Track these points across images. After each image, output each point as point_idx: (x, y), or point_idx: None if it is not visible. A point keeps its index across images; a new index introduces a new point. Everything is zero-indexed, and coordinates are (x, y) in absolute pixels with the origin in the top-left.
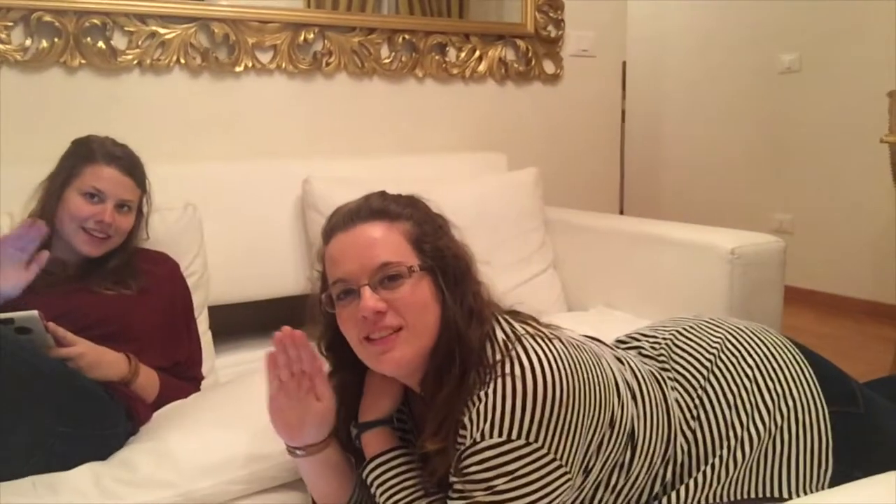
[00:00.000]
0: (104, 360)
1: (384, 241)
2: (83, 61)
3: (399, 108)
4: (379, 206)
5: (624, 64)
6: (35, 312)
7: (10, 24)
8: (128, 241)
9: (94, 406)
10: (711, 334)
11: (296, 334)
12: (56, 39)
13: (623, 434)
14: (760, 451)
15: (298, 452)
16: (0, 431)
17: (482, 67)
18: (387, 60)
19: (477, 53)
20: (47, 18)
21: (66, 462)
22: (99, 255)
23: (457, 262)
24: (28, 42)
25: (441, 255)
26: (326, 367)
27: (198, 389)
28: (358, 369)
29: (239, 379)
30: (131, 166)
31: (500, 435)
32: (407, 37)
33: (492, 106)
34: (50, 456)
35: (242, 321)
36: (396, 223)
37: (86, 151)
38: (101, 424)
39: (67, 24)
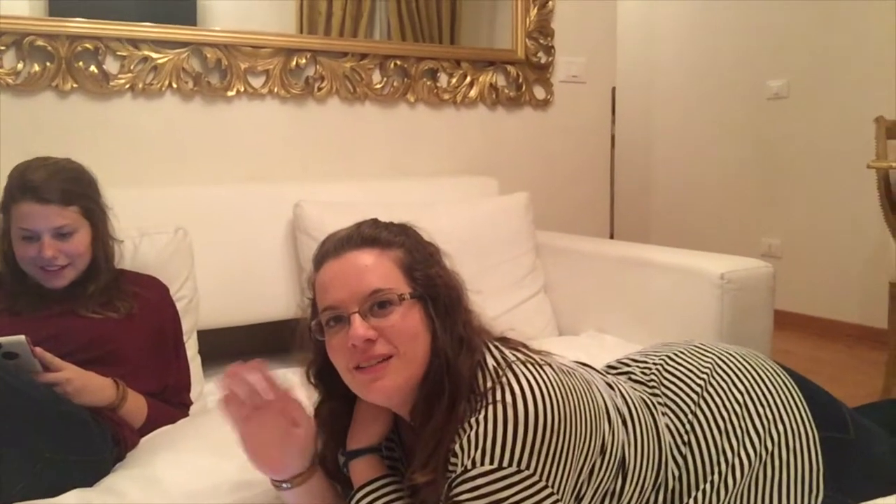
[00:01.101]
0: (91, 386)
1: (375, 269)
2: (75, 85)
3: (391, 132)
4: (370, 234)
5: (613, 90)
6: (22, 337)
7: (3, 48)
8: (98, 261)
9: (81, 432)
10: (701, 359)
11: (249, 363)
12: (48, 63)
13: (614, 461)
14: (751, 476)
15: (284, 486)
16: None
17: (473, 93)
18: (379, 85)
19: (468, 79)
20: (39, 43)
21: (54, 488)
22: (66, 284)
23: (448, 291)
24: (20, 66)
25: (432, 283)
26: (300, 392)
27: (186, 415)
28: (347, 398)
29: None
30: (55, 189)
31: (492, 462)
32: (399, 62)
33: (483, 131)
34: (37, 482)
35: (232, 346)
36: (388, 251)
37: (8, 190)
38: (87, 450)
39: (60, 48)
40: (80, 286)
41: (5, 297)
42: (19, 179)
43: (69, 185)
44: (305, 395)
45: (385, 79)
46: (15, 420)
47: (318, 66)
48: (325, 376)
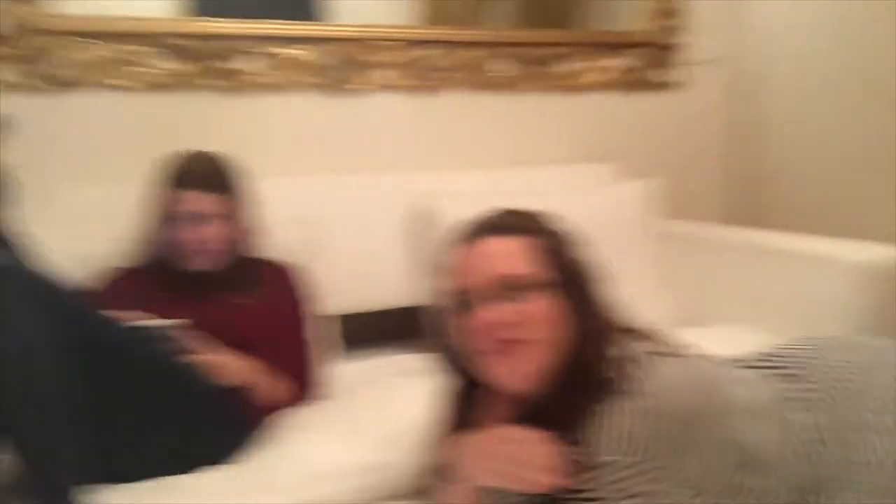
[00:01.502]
0: (231, 367)
1: (508, 255)
2: (214, 83)
3: (511, 121)
4: (505, 220)
5: (740, 71)
6: (172, 321)
7: (151, 49)
8: (239, 247)
9: (222, 411)
10: (851, 355)
11: None
12: (186, 63)
13: (743, 455)
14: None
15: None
16: (135, 434)
17: (595, 78)
18: (501, 74)
19: (590, 64)
20: (177, 43)
21: (192, 464)
22: (208, 267)
23: (583, 279)
24: (160, 66)
25: (567, 271)
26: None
27: (317, 397)
28: (474, 382)
29: (359, 388)
30: (205, 179)
31: (624, 453)
32: (522, 50)
33: (605, 116)
34: (178, 458)
35: (359, 331)
36: (522, 237)
37: (163, 179)
38: (227, 429)
39: (202, 48)
40: (220, 272)
41: (155, 282)
42: (177, 169)
43: (220, 175)
44: (428, 380)
45: (508, 67)
46: (163, 398)
47: (441, 57)
48: (453, 359)
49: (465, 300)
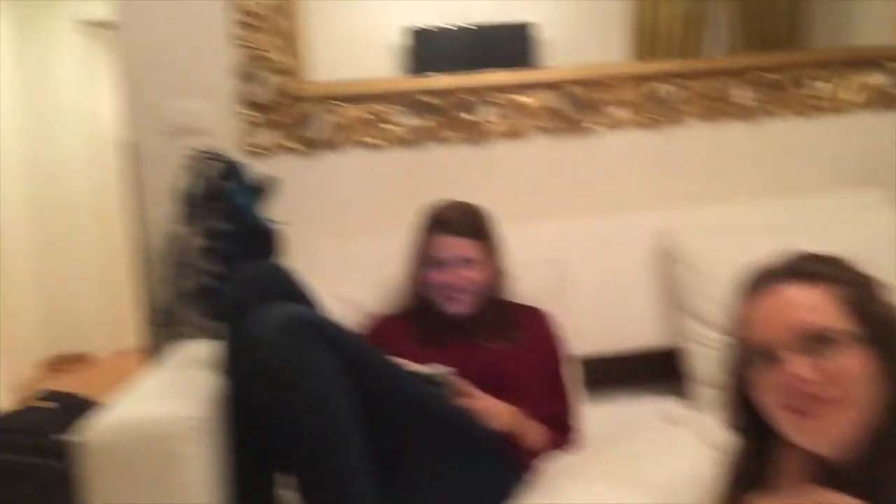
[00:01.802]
0: (500, 412)
1: (813, 304)
2: (457, 135)
3: (759, 149)
4: (803, 266)
5: None
6: (448, 368)
7: (398, 108)
8: (493, 291)
9: (491, 456)
10: None
11: None
12: (435, 118)
13: None
14: None
15: None
16: (413, 478)
17: (850, 96)
18: (743, 101)
19: (842, 82)
20: (427, 99)
21: None
22: (465, 311)
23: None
24: (413, 122)
25: (879, 323)
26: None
27: (575, 443)
28: (766, 440)
29: (625, 435)
30: (463, 225)
31: None
32: (762, 74)
33: (865, 137)
34: (448, 500)
35: (606, 373)
36: (825, 285)
37: (424, 225)
38: (495, 474)
39: (445, 103)
40: (477, 316)
41: (414, 328)
42: (434, 215)
43: (475, 222)
44: (695, 430)
45: (750, 93)
46: (439, 443)
47: (677, 89)
48: (743, 413)
49: (765, 352)
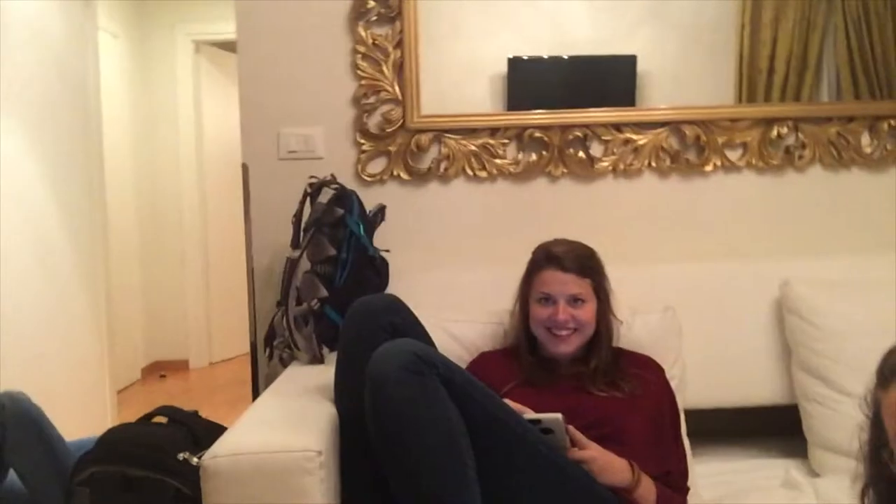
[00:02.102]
0: (613, 466)
1: None
2: (565, 170)
3: (883, 199)
4: None
5: None
6: (559, 415)
7: (506, 141)
8: (603, 336)
9: None
10: None
11: None
12: (543, 152)
13: None
14: None
15: None
16: None
17: None
18: (868, 149)
19: None
20: (537, 135)
21: None
22: (571, 350)
23: None
24: (520, 156)
25: None
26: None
27: (685, 502)
28: None
29: (737, 497)
30: (572, 261)
31: None
32: (888, 121)
33: None
34: None
35: (717, 427)
36: None
37: (533, 262)
38: None
39: (553, 137)
40: (585, 361)
41: (519, 367)
42: (544, 252)
43: (585, 260)
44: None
45: (875, 141)
46: (545, 492)
47: (799, 134)
48: (882, 494)
49: None
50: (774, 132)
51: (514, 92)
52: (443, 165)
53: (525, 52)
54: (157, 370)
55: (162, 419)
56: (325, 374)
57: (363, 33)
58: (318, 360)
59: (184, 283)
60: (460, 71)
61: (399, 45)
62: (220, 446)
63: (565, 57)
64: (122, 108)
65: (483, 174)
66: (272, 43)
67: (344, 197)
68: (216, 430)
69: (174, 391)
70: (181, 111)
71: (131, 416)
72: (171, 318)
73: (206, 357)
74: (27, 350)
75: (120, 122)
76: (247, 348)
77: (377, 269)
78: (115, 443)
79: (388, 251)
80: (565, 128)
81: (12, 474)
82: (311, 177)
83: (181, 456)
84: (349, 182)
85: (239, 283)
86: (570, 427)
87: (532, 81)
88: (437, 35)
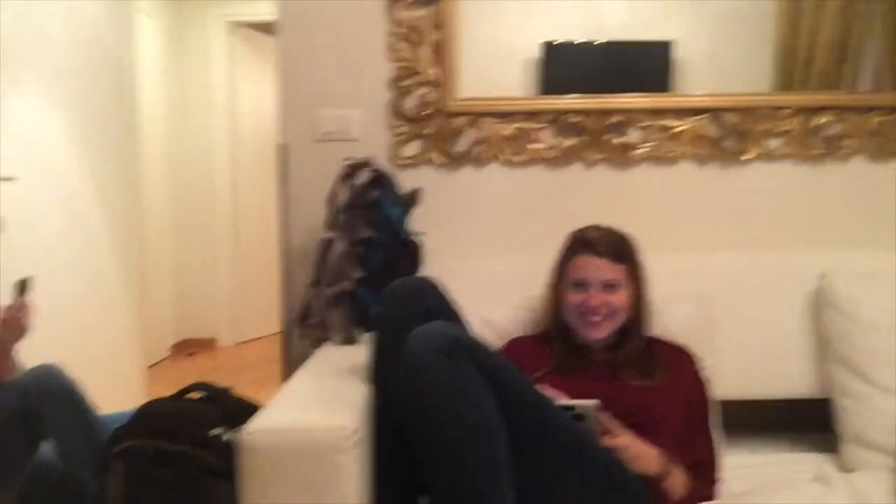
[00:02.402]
0: (645, 454)
1: None
2: (601, 156)
3: None
4: None
5: None
6: (595, 402)
7: (543, 125)
8: (636, 323)
9: (638, 499)
10: None
11: None
12: (580, 138)
13: None
14: None
15: None
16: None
17: None
18: None
19: None
20: (574, 119)
21: None
22: (604, 336)
23: None
24: (556, 141)
25: None
26: None
27: (714, 493)
28: None
29: (768, 490)
30: (606, 246)
31: None
32: None
33: None
34: None
35: (750, 419)
36: None
37: (568, 247)
38: None
39: (590, 123)
40: (618, 348)
41: (551, 353)
42: (578, 237)
43: (620, 246)
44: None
45: None
46: (579, 482)
47: (842, 124)
48: None
49: None
50: (817, 121)
51: (549, 76)
52: (478, 149)
53: (560, 37)
54: (186, 348)
55: (195, 395)
56: (359, 354)
57: (402, 15)
58: (350, 340)
59: (214, 262)
60: (494, 54)
61: (437, 27)
62: (258, 422)
63: (600, 42)
64: (157, 88)
65: (518, 159)
66: (311, 25)
67: (380, 179)
68: (248, 408)
69: (202, 369)
70: (215, 92)
71: (159, 392)
72: (200, 297)
73: (234, 336)
74: (64, 325)
75: (155, 102)
76: (273, 329)
77: (411, 252)
78: (151, 417)
79: (423, 234)
80: (603, 113)
81: (45, 447)
82: (347, 158)
83: (214, 432)
84: (384, 165)
85: (268, 264)
86: (604, 415)
87: (567, 66)
88: (473, 18)
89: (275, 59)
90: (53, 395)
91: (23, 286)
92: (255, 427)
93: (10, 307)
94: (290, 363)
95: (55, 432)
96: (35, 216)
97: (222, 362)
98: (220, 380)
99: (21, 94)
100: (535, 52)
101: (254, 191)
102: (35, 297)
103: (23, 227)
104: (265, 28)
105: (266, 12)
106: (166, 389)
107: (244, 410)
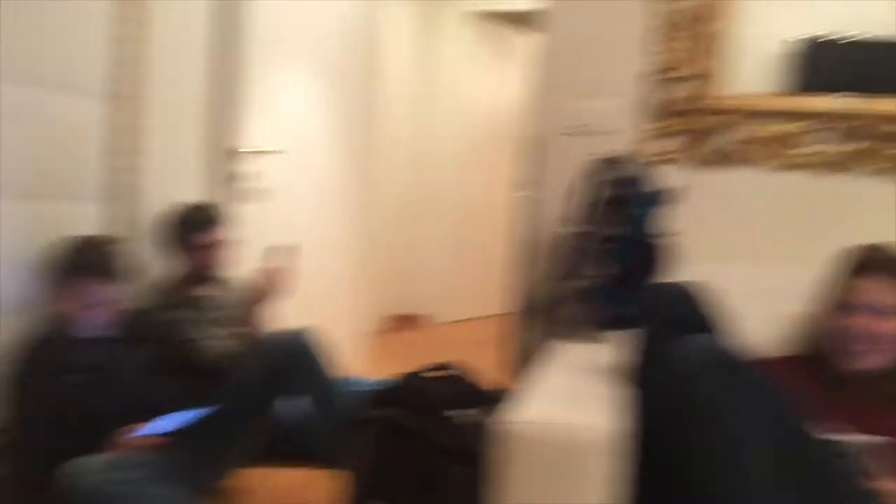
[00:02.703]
0: None
1: None
2: (884, 166)
3: None
4: None
5: None
6: (870, 439)
7: (813, 129)
8: None
9: None
10: None
11: None
12: (857, 144)
13: None
14: None
15: None
16: None
17: None
18: None
19: None
20: (851, 124)
21: None
22: (881, 365)
23: None
24: (826, 147)
25: None
26: None
27: None
28: None
29: None
30: (891, 271)
31: None
32: None
33: None
34: None
35: None
36: None
37: (846, 264)
38: None
39: (869, 128)
40: (888, 376)
41: (805, 376)
42: (861, 256)
43: None
44: None
45: None
46: None
47: None
48: None
49: None
50: None
51: (803, 75)
52: (738, 150)
53: (815, 31)
54: (399, 322)
55: (435, 374)
56: (603, 353)
57: (664, 6)
58: (593, 338)
59: (437, 242)
60: (753, 50)
61: (701, 20)
62: (518, 412)
63: (871, 38)
64: (400, 71)
65: (783, 163)
66: (571, 17)
67: (630, 176)
68: (478, 392)
69: (416, 344)
70: (455, 79)
71: (378, 363)
72: (419, 274)
73: (447, 315)
74: (309, 292)
75: (397, 86)
76: (486, 312)
77: (657, 254)
78: (407, 390)
79: (676, 235)
80: (882, 118)
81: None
82: (598, 153)
83: (449, 412)
84: (638, 161)
85: (489, 249)
86: (883, 454)
87: (826, 65)
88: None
89: (522, 50)
90: (305, 354)
91: (287, 253)
92: (515, 416)
93: (275, 270)
94: (522, 351)
95: (306, 389)
96: (296, 188)
97: (435, 339)
98: (431, 357)
99: (287, 79)
100: (795, 47)
101: (483, 178)
102: (296, 263)
103: (287, 197)
104: (508, 18)
105: (509, 3)
106: (381, 362)
107: (475, 394)
